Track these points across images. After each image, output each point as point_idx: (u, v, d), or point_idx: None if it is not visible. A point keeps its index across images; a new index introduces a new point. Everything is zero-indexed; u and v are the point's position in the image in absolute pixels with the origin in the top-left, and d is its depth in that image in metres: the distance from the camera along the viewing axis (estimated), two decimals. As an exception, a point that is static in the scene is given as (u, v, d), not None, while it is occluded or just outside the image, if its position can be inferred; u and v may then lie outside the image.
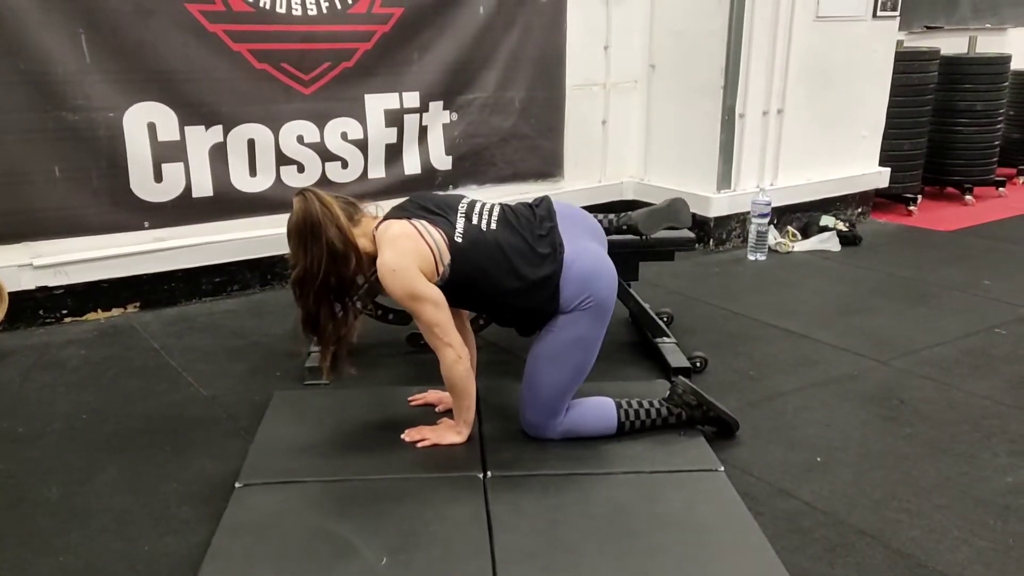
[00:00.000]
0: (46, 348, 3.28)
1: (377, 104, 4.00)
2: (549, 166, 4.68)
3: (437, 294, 2.26)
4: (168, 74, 3.50)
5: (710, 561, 1.97)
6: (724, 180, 4.60)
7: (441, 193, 2.63)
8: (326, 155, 3.93)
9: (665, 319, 3.40)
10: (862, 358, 3.18)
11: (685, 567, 1.95)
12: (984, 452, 2.50)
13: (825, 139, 4.93)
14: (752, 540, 2.03)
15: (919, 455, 2.48)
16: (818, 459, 2.46)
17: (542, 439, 2.44)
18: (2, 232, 3.36)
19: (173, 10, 3.45)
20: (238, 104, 3.68)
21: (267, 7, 3.63)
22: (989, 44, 6.20)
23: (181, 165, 3.62)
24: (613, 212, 3.18)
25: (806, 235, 4.79)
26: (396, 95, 4.04)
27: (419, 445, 2.41)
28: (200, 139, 3.63)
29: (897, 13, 4.99)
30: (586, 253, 2.35)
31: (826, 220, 4.85)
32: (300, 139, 3.85)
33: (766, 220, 4.48)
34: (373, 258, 2.28)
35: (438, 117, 4.21)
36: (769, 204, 4.47)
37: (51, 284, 3.48)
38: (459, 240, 2.27)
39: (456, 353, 2.30)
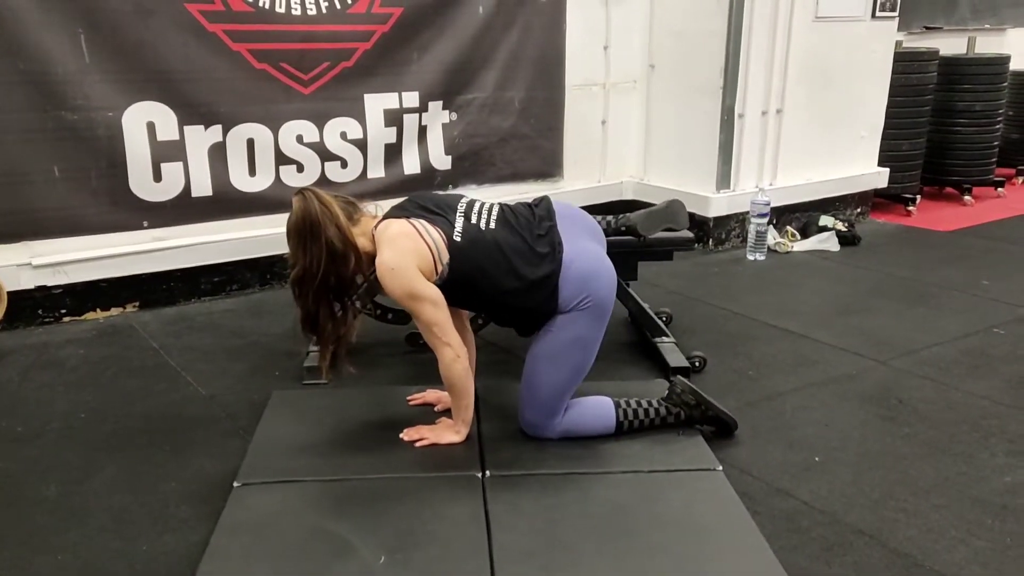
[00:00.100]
0: (45, 347, 3.28)
1: (376, 104, 4.00)
2: (548, 166, 4.68)
3: (436, 293, 2.26)
4: (167, 74, 3.50)
5: (708, 560, 1.97)
6: (723, 180, 4.60)
7: (440, 193, 2.63)
8: (325, 155, 3.93)
9: (664, 319, 3.40)
10: (861, 358, 3.18)
11: (683, 566, 1.95)
12: (982, 452, 2.50)
13: (824, 139, 4.94)
14: (750, 539, 2.03)
15: (917, 455, 2.48)
16: (816, 459, 2.46)
17: (541, 439, 2.44)
18: (1, 231, 3.36)
19: (173, 10, 3.45)
20: (237, 104, 3.68)
21: (266, 7, 3.63)
22: (988, 44, 6.20)
23: (180, 165, 3.62)
24: (612, 212, 3.18)
25: (805, 235, 4.79)
26: (395, 95, 4.04)
27: (418, 444, 2.41)
28: (199, 139, 3.63)
29: (896, 13, 4.99)
30: (585, 253, 2.35)
31: (825, 220, 4.85)
32: (299, 139, 3.85)
33: (765, 220, 4.48)
34: (372, 257, 2.29)
35: (437, 117, 4.21)
36: (768, 204, 4.47)
37: (50, 284, 3.48)
38: (458, 239, 2.27)
39: (455, 352, 2.30)
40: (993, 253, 4.63)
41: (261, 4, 3.62)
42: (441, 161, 4.28)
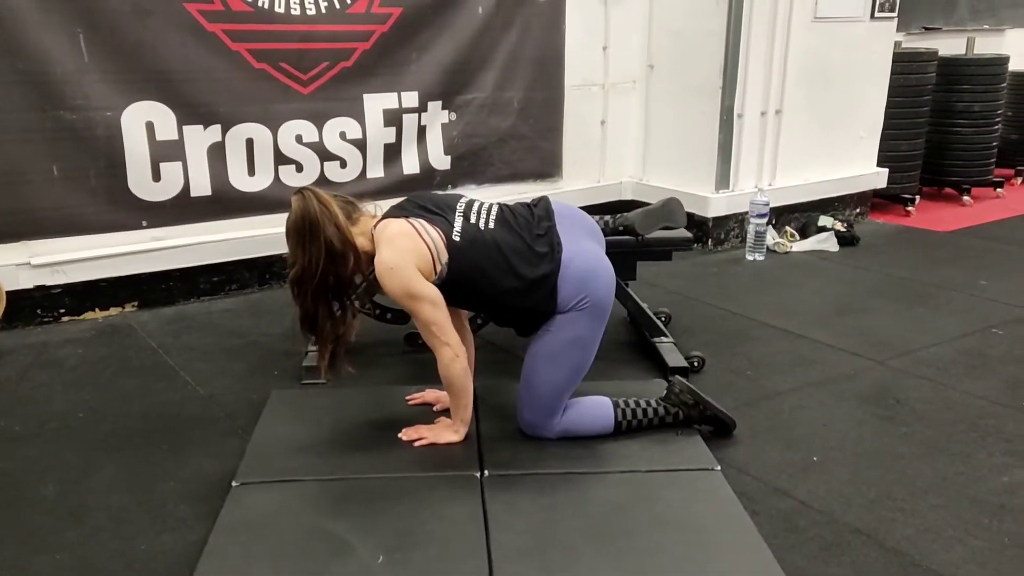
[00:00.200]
0: (44, 347, 3.29)
1: (376, 104, 4.00)
2: (548, 166, 4.68)
3: (435, 293, 2.26)
4: (166, 74, 3.50)
5: (706, 560, 1.98)
6: (722, 180, 4.61)
7: (439, 192, 2.63)
8: (325, 155, 3.94)
9: (663, 319, 3.40)
10: (859, 358, 3.19)
11: (681, 566, 1.95)
12: (980, 452, 2.50)
13: (823, 139, 4.94)
14: (748, 539, 2.03)
15: (915, 455, 2.49)
16: (814, 458, 2.47)
17: (539, 438, 2.44)
18: (0, 231, 3.36)
19: (172, 10, 3.45)
20: (236, 104, 3.68)
21: (266, 7, 3.63)
22: (987, 45, 6.20)
23: (179, 164, 3.62)
24: (611, 213, 3.18)
25: (804, 235, 4.80)
26: (395, 95, 4.04)
27: (416, 444, 2.41)
28: (198, 138, 3.64)
29: (895, 14, 5.00)
30: (583, 253, 2.36)
31: (824, 220, 4.86)
32: (299, 138, 3.85)
33: (764, 220, 4.49)
34: (371, 257, 2.29)
35: (437, 117, 4.21)
36: (767, 204, 4.47)
37: (49, 283, 3.48)
38: (457, 239, 2.27)
39: (454, 352, 2.30)
40: (991, 253, 4.64)
41: (260, 4, 3.62)
42: (440, 161, 4.28)
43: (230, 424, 2.66)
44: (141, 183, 3.56)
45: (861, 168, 5.19)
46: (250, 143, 3.75)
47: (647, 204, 3.34)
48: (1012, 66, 5.82)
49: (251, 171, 3.80)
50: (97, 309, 3.62)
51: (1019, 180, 6.42)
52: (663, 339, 3.16)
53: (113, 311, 3.65)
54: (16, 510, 2.20)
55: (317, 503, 2.16)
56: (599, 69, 4.76)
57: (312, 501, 2.17)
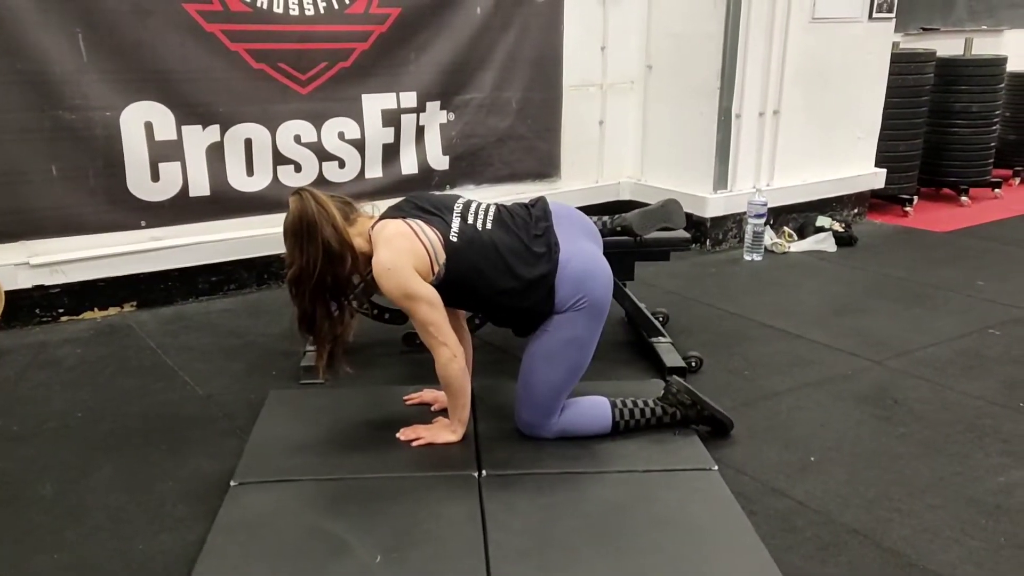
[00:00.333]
0: (42, 347, 3.29)
1: (374, 104, 4.00)
2: (546, 166, 4.68)
3: (432, 293, 2.26)
4: (165, 74, 3.50)
5: (703, 560, 1.98)
6: (720, 181, 4.61)
7: (437, 193, 2.64)
8: (323, 155, 3.94)
9: (661, 319, 3.41)
10: (857, 358, 3.19)
11: (679, 566, 1.95)
12: (977, 452, 2.51)
13: (821, 140, 4.94)
14: (745, 539, 2.04)
15: (912, 455, 2.49)
16: (812, 458, 2.47)
17: (537, 438, 2.44)
18: (-1, 231, 3.37)
19: (170, 10, 3.45)
20: (235, 104, 3.68)
21: (264, 7, 3.63)
22: (985, 46, 6.21)
23: (178, 164, 3.62)
24: (609, 213, 3.19)
25: (802, 236, 4.80)
26: (393, 95, 4.04)
27: (414, 444, 2.42)
28: (197, 138, 3.64)
29: (893, 15, 5.00)
30: (581, 253, 2.36)
31: (822, 221, 4.86)
32: (297, 139, 3.85)
33: (762, 220, 4.49)
34: (369, 257, 2.29)
35: (435, 117, 4.21)
36: (765, 205, 4.47)
37: (48, 283, 3.48)
38: (455, 240, 2.28)
39: (451, 352, 2.30)
40: (989, 254, 4.64)
41: (259, 4, 3.62)
42: (439, 161, 4.28)
43: (228, 424, 2.67)
44: (140, 183, 3.56)
45: (859, 168, 5.19)
46: (249, 143, 3.75)
47: (645, 204, 3.35)
48: (1010, 67, 5.82)
49: (250, 171, 3.80)
50: (96, 309, 3.62)
51: (1017, 180, 6.43)
52: (661, 339, 3.16)
53: (112, 311, 3.65)
54: (14, 509, 2.20)
55: (315, 503, 2.16)
56: (597, 69, 4.76)
57: (310, 501, 2.17)
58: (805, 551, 2.04)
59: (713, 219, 4.64)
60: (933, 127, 5.61)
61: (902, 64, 5.23)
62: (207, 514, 2.13)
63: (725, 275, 4.30)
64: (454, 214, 2.34)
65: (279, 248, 2.34)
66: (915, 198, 5.54)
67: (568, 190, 4.70)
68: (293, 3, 3.69)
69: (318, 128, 3.89)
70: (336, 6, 3.79)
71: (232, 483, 2.24)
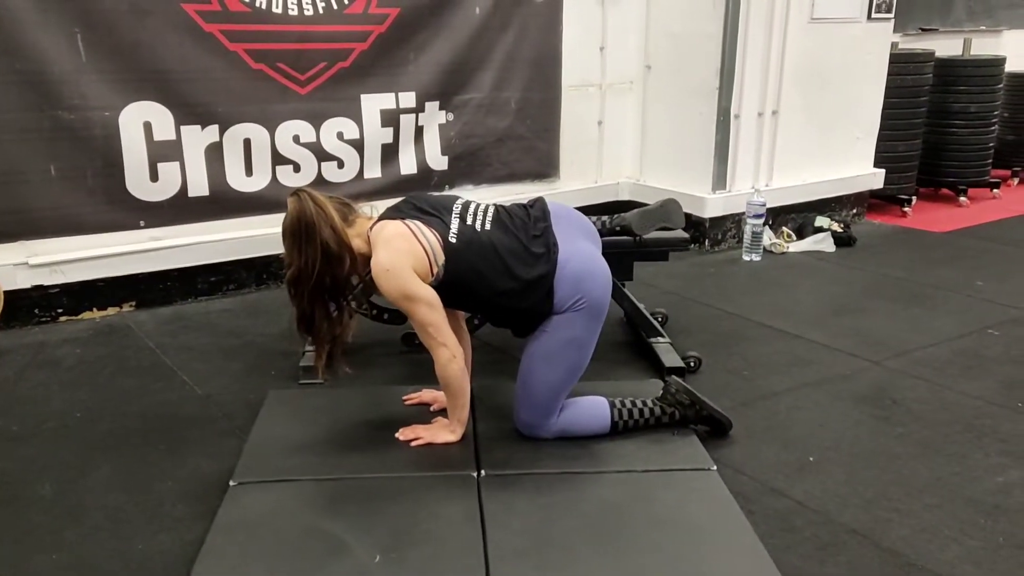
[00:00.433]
0: (41, 347, 3.29)
1: (373, 104, 4.00)
2: (545, 167, 4.69)
3: (431, 294, 2.26)
4: (164, 74, 3.50)
5: (702, 560, 1.98)
6: (719, 181, 4.61)
7: (436, 194, 2.64)
8: (322, 155, 3.94)
9: (660, 319, 3.41)
10: (855, 358, 3.19)
11: (677, 565, 1.95)
12: (976, 452, 2.51)
13: (820, 140, 4.95)
14: (744, 539, 2.04)
15: (911, 455, 2.49)
16: (810, 458, 2.47)
17: (536, 438, 2.45)
18: (-2, 231, 3.37)
19: (169, 10, 3.45)
20: (234, 104, 3.68)
21: (263, 7, 3.63)
22: (984, 46, 6.22)
23: (177, 164, 3.62)
24: (608, 213, 3.19)
25: (801, 236, 4.81)
26: (392, 95, 4.05)
27: (413, 444, 2.42)
28: (196, 139, 3.64)
29: (892, 15, 5.01)
30: (580, 253, 2.36)
31: (821, 221, 4.87)
32: (296, 139, 3.85)
33: (761, 221, 4.49)
34: (368, 258, 2.29)
35: (434, 117, 4.21)
36: (764, 205, 4.48)
37: (47, 283, 3.48)
38: (453, 241, 2.28)
39: (451, 353, 2.30)
40: (988, 254, 4.65)
41: (258, 4, 3.62)
42: (438, 161, 4.28)
43: (227, 424, 2.67)
44: (139, 183, 3.56)
45: (858, 169, 5.20)
46: (248, 143, 3.75)
47: (644, 205, 3.35)
48: (1009, 67, 5.83)
49: (248, 171, 3.80)
50: (95, 309, 3.62)
51: (1015, 181, 6.44)
52: (660, 339, 3.16)
53: (111, 311, 3.65)
54: (13, 509, 2.20)
55: (314, 503, 2.16)
56: (596, 70, 4.76)
57: (309, 501, 2.18)
58: (804, 551, 2.04)
59: (712, 219, 4.64)
60: (932, 127, 5.61)
61: (901, 64, 5.23)
62: (206, 514, 2.13)
63: (724, 275, 4.30)
64: (453, 215, 2.34)
65: (278, 248, 2.34)
66: (914, 198, 5.55)
67: (567, 190, 4.70)
68: (292, 3, 3.69)
69: (317, 128, 3.89)
70: (335, 6, 3.79)
71: (231, 483, 2.24)
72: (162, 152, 3.58)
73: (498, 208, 2.43)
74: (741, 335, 3.43)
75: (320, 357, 2.35)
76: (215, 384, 2.95)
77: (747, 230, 4.52)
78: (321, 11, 3.76)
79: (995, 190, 5.97)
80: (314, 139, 3.90)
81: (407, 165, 4.19)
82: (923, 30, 6.17)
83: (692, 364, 3.06)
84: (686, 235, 3.23)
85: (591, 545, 2.00)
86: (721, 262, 4.51)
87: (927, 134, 5.58)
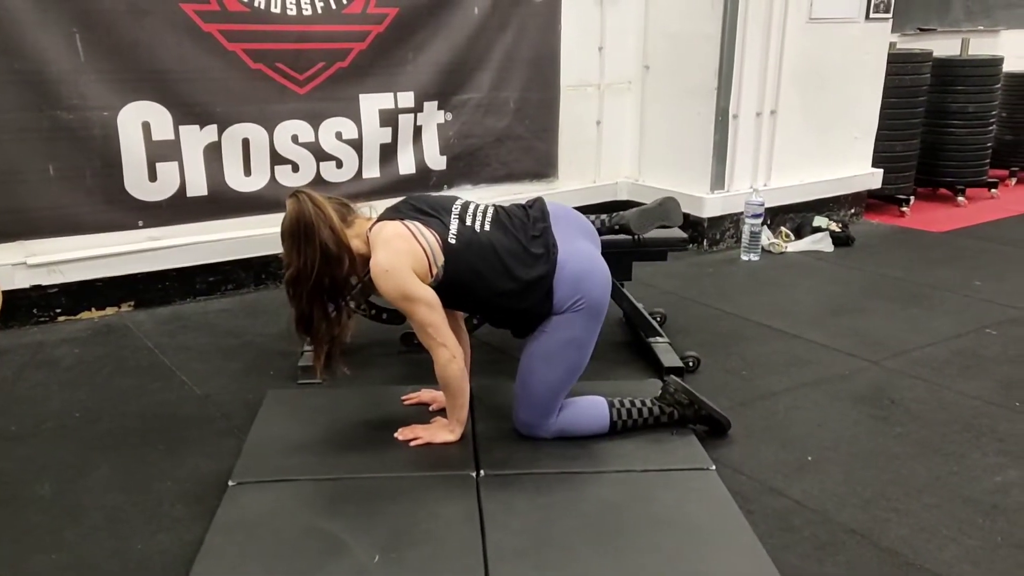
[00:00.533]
0: (40, 347, 3.28)
1: (372, 104, 4.00)
2: (543, 167, 4.69)
3: (430, 294, 2.26)
4: (163, 74, 3.50)
5: (701, 559, 1.98)
6: (718, 181, 4.62)
7: (435, 194, 2.64)
8: (321, 155, 3.94)
9: (658, 319, 3.41)
10: (854, 358, 3.20)
11: (676, 565, 1.96)
12: (974, 452, 2.51)
13: (818, 140, 4.95)
14: (743, 538, 2.04)
15: (909, 454, 2.50)
16: (809, 458, 2.48)
17: (535, 438, 2.45)
18: (-4, 231, 3.37)
19: (168, 10, 3.45)
20: (233, 104, 3.68)
21: (262, 7, 3.63)
22: (981, 46, 6.23)
23: (175, 164, 3.62)
24: (607, 213, 3.19)
25: (799, 236, 4.81)
26: (391, 95, 4.04)
27: (412, 444, 2.42)
28: (194, 138, 3.64)
29: (890, 15, 5.01)
30: (579, 253, 2.36)
31: (819, 221, 4.87)
32: (295, 139, 3.85)
33: (759, 221, 4.49)
34: (366, 259, 2.29)
35: (433, 117, 4.21)
36: (762, 205, 4.48)
37: (45, 283, 3.48)
38: (453, 242, 2.28)
39: (450, 353, 2.30)
40: (986, 254, 4.65)
41: (256, 4, 3.62)
42: (436, 161, 4.28)
43: (226, 424, 2.67)
44: (137, 183, 3.56)
45: (856, 169, 5.20)
46: (246, 143, 3.75)
47: (642, 204, 3.35)
48: (1006, 67, 5.84)
49: (247, 171, 3.80)
50: (93, 309, 3.62)
51: (1013, 181, 6.45)
52: (658, 339, 3.17)
53: (109, 311, 3.65)
54: (12, 509, 2.20)
55: (313, 502, 2.16)
56: (595, 70, 4.77)
57: (308, 500, 2.18)
58: (802, 550, 2.05)
59: (710, 219, 4.64)
60: (930, 127, 5.62)
61: (899, 64, 5.24)
62: (205, 514, 2.13)
63: (722, 275, 4.31)
64: (452, 216, 2.34)
65: (277, 248, 2.35)
66: (912, 198, 5.56)
67: (565, 190, 4.70)
68: (291, 3, 3.69)
69: (315, 128, 3.89)
70: (334, 6, 3.79)
71: (230, 483, 2.24)
72: (161, 152, 3.57)
73: (497, 209, 2.43)
74: (739, 335, 3.44)
75: (319, 357, 2.35)
76: (214, 384, 2.95)
77: (745, 230, 4.53)
78: (320, 11, 3.76)
79: (993, 190, 5.98)
80: (312, 139, 3.90)
81: (406, 165, 4.19)
82: (921, 30, 6.18)
83: (691, 364, 3.06)
84: (684, 235, 3.23)
85: (590, 545, 2.00)
86: (719, 262, 4.51)
87: (925, 134, 5.58)
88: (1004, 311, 3.71)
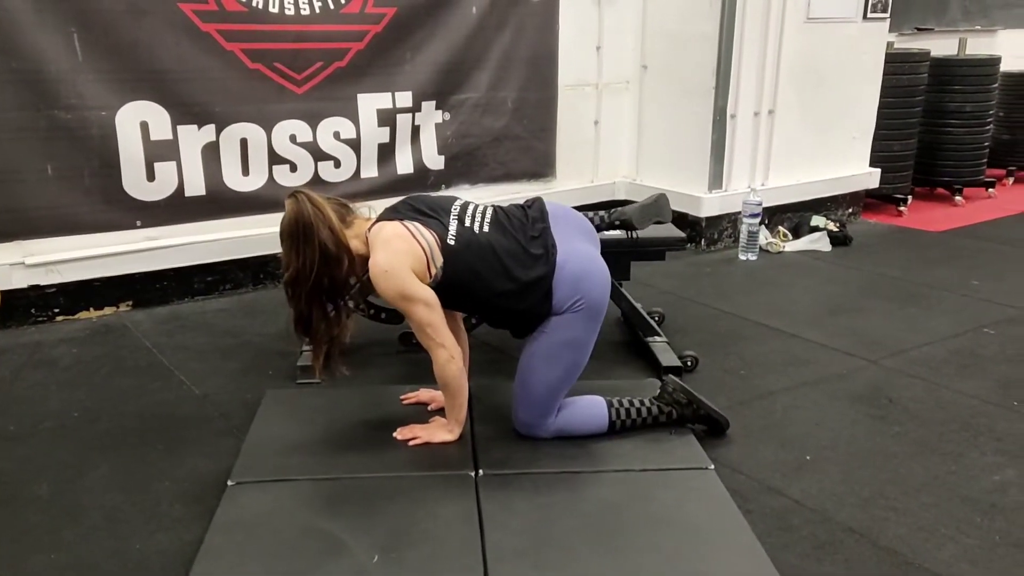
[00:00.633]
0: (38, 347, 3.28)
1: (370, 104, 4.00)
2: (541, 166, 4.69)
3: (429, 295, 2.26)
4: (161, 73, 3.50)
5: (700, 558, 1.98)
6: (715, 180, 4.62)
7: (434, 195, 2.64)
8: (319, 154, 3.93)
9: (657, 318, 3.41)
10: (852, 357, 3.20)
11: (675, 565, 1.96)
12: (972, 451, 2.52)
13: (816, 140, 4.96)
14: (741, 538, 2.04)
15: (907, 454, 2.50)
16: (807, 457, 2.48)
17: (534, 438, 2.45)
18: (-6, 231, 3.36)
19: (166, 9, 3.45)
20: (231, 103, 3.68)
21: (260, 7, 3.63)
22: (979, 46, 6.24)
23: (174, 164, 3.62)
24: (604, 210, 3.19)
25: (797, 235, 4.82)
26: (389, 95, 4.04)
27: (411, 443, 2.42)
28: (193, 138, 3.63)
29: (888, 15, 5.01)
30: (578, 254, 2.36)
31: (817, 220, 4.88)
32: (293, 138, 3.85)
33: (757, 220, 4.50)
34: (365, 259, 2.29)
35: (431, 117, 4.21)
36: (760, 204, 4.48)
37: (43, 283, 3.47)
38: (452, 242, 2.28)
39: (449, 353, 2.31)
40: (983, 253, 4.66)
41: (254, 4, 3.62)
42: (434, 161, 4.28)
43: (225, 424, 2.67)
44: (135, 183, 3.56)
45: (854, 168, 5.21)
46: (244, 143, 3.75)
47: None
48: (1004, 67, 5.84)
49: (245, 171, 3.79)
50: (91, 309, 3.61)
51: (1011, 180, 6.46)
52: (657, 339, 3.17)
53: (107, 311, 3.64)
54: (11, 510, 2.20)
55: (312, 502, 2.17)
56: (593, 69, 4.77)
57: (307, 500, 2.18)
58: (801, 549, 2.05)
59: (708, 219, 4.65)
60: (927, 127, 5.63)
61: (896, 64, 5.24)
62: (204, 514, 2.13)
63: (720, 275, 4.31)
64: (451, 216, 2.34)
65: (275, 248, 2.34)
66: (909, 198, 5.56)
67: (564, 190, 4.70)
68: (289, 3, 3.69)
69: (314, 128, 3.89)
70: (332, 6, 3.78)
71: (229, 483, 2.24)
72: (159, 152, 3.57)
73: (496, 209, 2.43)
74: (738, 334, 3.44)
75: (318, 357, 2.35)
76: (212, 384, 2.95)
77: (743, 229, 4.53)
78: (318, 11, 3.76)
79: (990, 189, 5.99)
80: (311, 139, 3.89)
81: (404, 165, 4.19)
82: (919, 30, 6.19)
83: (689, 363, 3.06)
84: (683, 235, 3.24)
85: (589, 544, 2.00)
86: (717, 261, 4.51)
87: (923, 134, 5.59)
88: (1002, 310, 3.71)
